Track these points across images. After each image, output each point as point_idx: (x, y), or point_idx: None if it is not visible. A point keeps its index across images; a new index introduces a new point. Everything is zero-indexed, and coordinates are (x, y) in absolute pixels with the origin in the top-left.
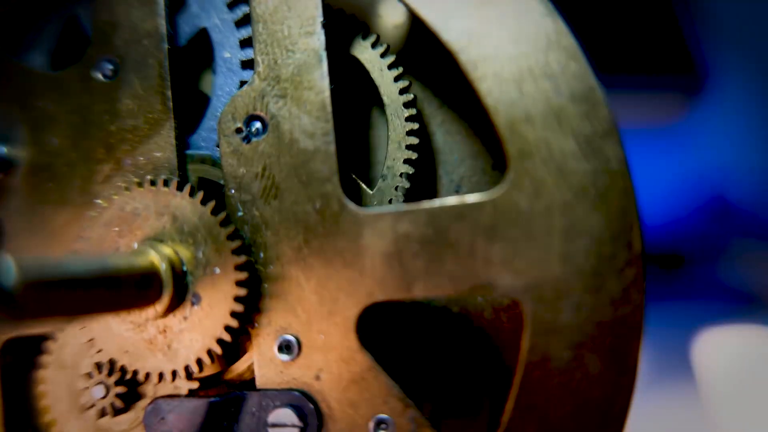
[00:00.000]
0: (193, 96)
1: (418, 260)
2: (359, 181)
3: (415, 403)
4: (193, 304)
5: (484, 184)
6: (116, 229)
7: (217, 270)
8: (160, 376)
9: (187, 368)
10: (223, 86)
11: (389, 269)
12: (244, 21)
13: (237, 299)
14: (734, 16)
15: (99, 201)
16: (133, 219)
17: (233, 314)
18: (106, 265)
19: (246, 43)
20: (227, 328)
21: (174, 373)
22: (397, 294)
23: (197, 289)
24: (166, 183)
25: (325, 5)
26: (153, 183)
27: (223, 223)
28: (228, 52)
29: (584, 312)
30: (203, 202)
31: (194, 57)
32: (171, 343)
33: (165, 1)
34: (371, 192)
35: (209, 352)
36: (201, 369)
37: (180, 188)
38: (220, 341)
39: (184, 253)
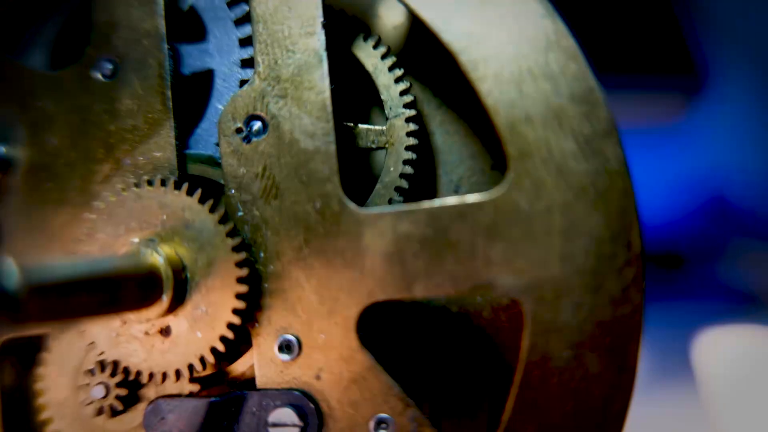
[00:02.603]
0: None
1: (419, 260)
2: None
3: (415, 402)
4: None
5: (483, 184)
6: (134, 216)
7: (217, 270)
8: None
9: (197, 362)
10: (204, 133)
11: (389, 269)
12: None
13: (238, 296)
14: (734, 16)
15: (119, 186)
16: (143, 214)
17: (235, 311)
18: (108, 267)
19: None
20: (229, 325)
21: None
22: (398, 294)
23: (196, 289)
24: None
25: (325, 6)
26: (163, 183)
27: (222, 221)
28: (222, 106)
29: (584, 311)
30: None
31: (192, 91)
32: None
33: (165, 1)
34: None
35: (212, 350)
36: (204, 367)
37: (190, 193)
38: (222, 338)
39: (185, 253)
